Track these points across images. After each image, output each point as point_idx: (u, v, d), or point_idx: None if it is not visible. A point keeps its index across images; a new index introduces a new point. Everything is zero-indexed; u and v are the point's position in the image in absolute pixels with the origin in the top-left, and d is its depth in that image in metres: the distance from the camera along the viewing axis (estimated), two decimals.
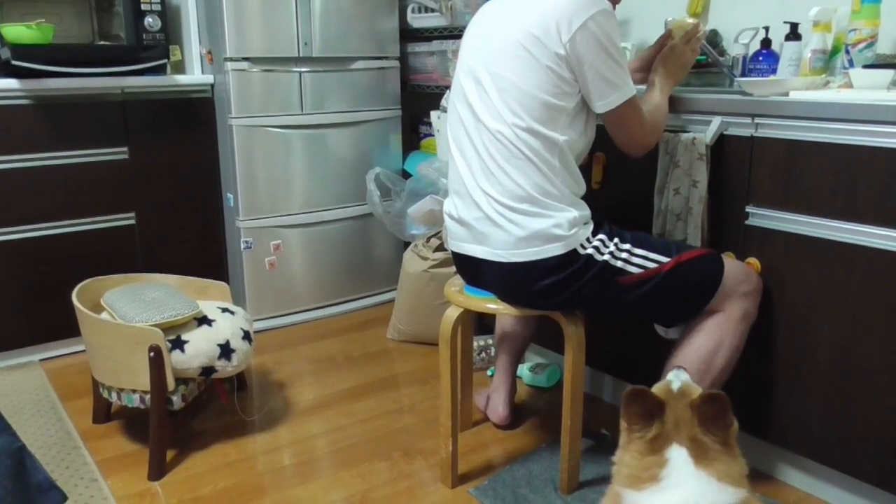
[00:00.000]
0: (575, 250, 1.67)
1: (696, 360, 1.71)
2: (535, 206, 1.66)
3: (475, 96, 1.72)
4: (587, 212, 1.73)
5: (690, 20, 1.92)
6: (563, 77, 1.63)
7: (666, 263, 1.69)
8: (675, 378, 1.34)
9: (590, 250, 1.68)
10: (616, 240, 1.71)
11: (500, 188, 1.68)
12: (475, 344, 2.57)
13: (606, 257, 1.69)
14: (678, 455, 1.21)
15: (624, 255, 1.69)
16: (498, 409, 2.19)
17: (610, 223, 1.76)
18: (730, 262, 1.76)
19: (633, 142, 1.76)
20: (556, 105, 1.64)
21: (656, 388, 1.30)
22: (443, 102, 3.01)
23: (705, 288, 1.71)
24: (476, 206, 1.73)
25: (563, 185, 1.69)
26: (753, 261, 1.81)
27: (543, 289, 1.69)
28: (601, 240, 1.70)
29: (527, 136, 1.65)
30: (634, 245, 1.71)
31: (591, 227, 1.71)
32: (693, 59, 1.92)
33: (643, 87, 1.88)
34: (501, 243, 1.70)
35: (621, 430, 1.29)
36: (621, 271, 1.69)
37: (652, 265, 1.69)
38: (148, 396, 1.96)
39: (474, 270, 1.82)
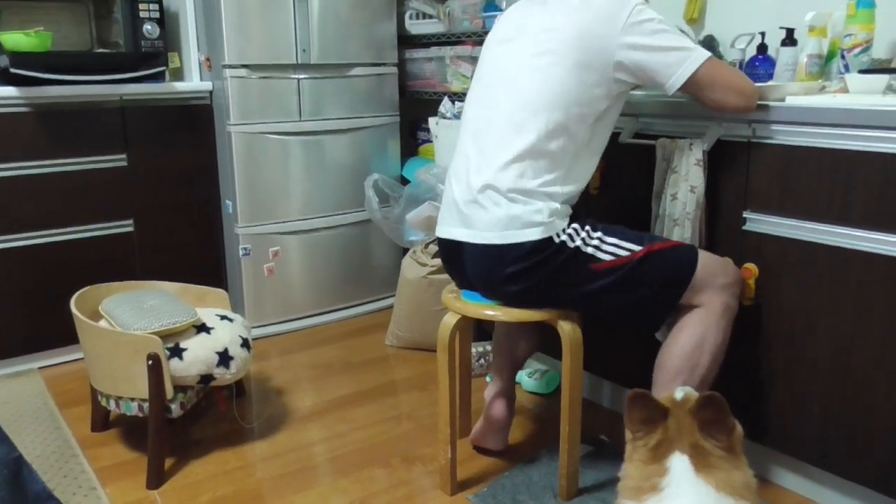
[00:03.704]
0: (551, 237, 1.70)
1: (682, 356, 1.72)
2: (524, 195, 1.70)
3: (504, 91, 1.76)
4: (569, 209, 1.76)
5: None
6: (607, 78, 1.68)
7: (637, 252, 1.71)
8: (680, 391, 1.33)
9: (564, 237, 1.71)
10: (587, 228, 1.74)
11: (501, 177, 1.71)
12: (474, 350, 2.56)
13: (578, 243, 1.72)
14: (679, 463, 1.19)
15: (595, 241, 1.72)
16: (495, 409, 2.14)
17: (584, 215, 1.79)
18: (705, 254, 1.77)
19: (734, 92, 1.70)
20: (590, 106, 1.69)
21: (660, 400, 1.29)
22: (441, 109, 3.02)
23: (678, 279, 1.72)
24: (469, 190, 1.76)
25: (565, 186, 1.73)
26: (751, 266, 1.81)
27: (515, 273, 1.72)
28: (574, 228, 1.73)
29: (555, 135, 1.68)
30: (606, 234, 1.73)
31: (567, 220, 1.74)
32: None
33: None
34: (483, 224, 1.73)
35: (626, 440, 1.28)
36: (592, 257, 1.71)
37: (623, 253, 1.71)
38: (146, 404, 1.96)
39: (456, 256, 1.84)
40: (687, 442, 1.20)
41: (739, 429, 1.22)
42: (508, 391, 2.12)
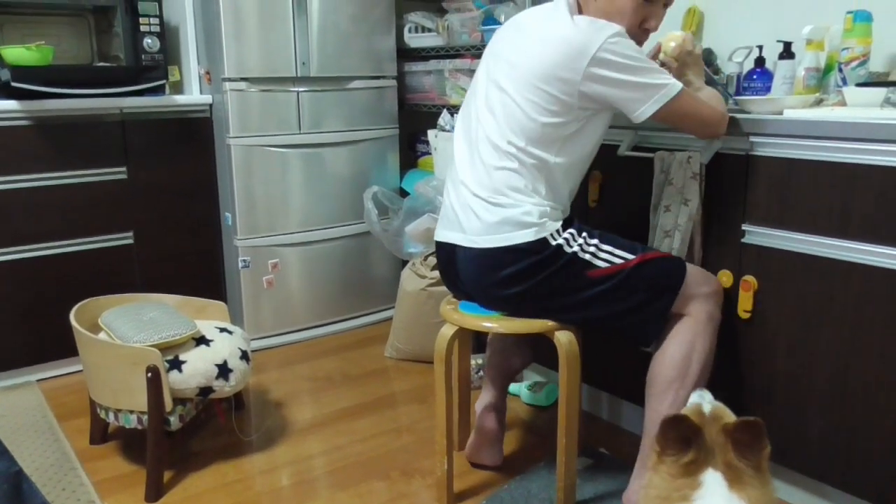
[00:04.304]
0: (545, 239, 1.72)
1: (673, 366, 1.75)
2: (511, 200, 1.73)
3: (483, 104, 1.81)
4: (559, 213, 1.78)
5: (679, 33, 1.91)
6: (570, 106, 1.69)
7: (631, 260, 1.74)
8: (701, 398, 1.33)
9: (560, 241, 1.73)
10: (584, 234, 1.76)
11: (481, 184, 1.76)
12: (473, 362, 2.56)
13: (575, 249, 1.74)
14: (713, 479, 1.20)
15: (592, 249, 1.74)
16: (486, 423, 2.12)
17: (579, 221, 1.81)
18: (689, 265, 1.80)
19: (699, 125, 1.75)
20: (553, 132, 1.71)
21: (687, 412, 1.29)
22: (440, 121, 3.03)
23: (669, 285, 1.75)
24: (461, 194, 1.81)
25: (548, 201, 1.76)
26: (750, 278, 1.81)
27: (510, 276, 1.73)
28: (571, 233, 1.75)
29: (520, 154, 1.73)
30: (602, 241, 1.76)
31: (560, 222, 1.76)
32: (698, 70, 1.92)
33: None
34: (475, 230, 1.76)
35: (653, 452, 1.28)
36: (588, 264, 1.73)
37: (618, 261, 1.74)
38: (145, 417, 1.96)
39: (451, 261, 1.86)
40: (720, 460, 1.21)
41: (769, 449, 1.23)
42: (499, 404, 2.12)
